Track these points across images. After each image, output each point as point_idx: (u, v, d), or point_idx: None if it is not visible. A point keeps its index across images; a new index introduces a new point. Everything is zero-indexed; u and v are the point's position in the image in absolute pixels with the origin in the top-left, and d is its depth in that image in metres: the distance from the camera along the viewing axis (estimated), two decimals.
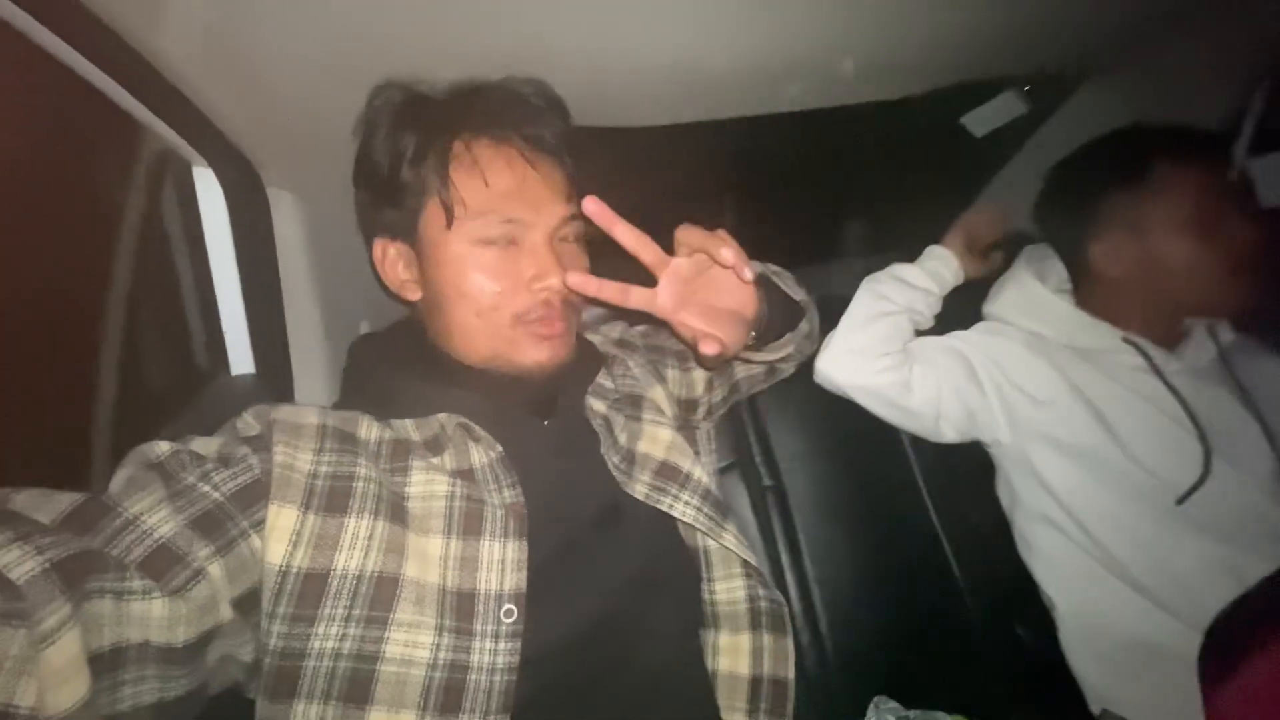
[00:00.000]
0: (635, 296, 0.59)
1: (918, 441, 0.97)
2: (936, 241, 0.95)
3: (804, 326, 0.79)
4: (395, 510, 0.54)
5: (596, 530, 0.61)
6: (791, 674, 0.65)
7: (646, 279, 0.60)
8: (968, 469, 0.96)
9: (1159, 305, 0.84)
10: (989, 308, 0.95)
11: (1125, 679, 0.79)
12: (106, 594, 0.39)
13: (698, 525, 0.63)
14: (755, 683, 0.64)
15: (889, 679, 0.87)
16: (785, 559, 0.96)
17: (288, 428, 0.53)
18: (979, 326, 0.94)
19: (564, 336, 0.63)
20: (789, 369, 0.89)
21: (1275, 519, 0.76)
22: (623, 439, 0.67)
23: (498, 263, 0.60)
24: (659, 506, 0.63)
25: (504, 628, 0.51)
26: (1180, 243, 0.80)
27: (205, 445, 0.51)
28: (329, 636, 0.49)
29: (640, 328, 0.86)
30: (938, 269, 0.92)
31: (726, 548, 0.65)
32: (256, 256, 0.76)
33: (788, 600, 0.66)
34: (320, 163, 0.77)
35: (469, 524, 0.55)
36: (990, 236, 0.96)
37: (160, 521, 0.44)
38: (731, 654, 0.65)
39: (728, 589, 0.66)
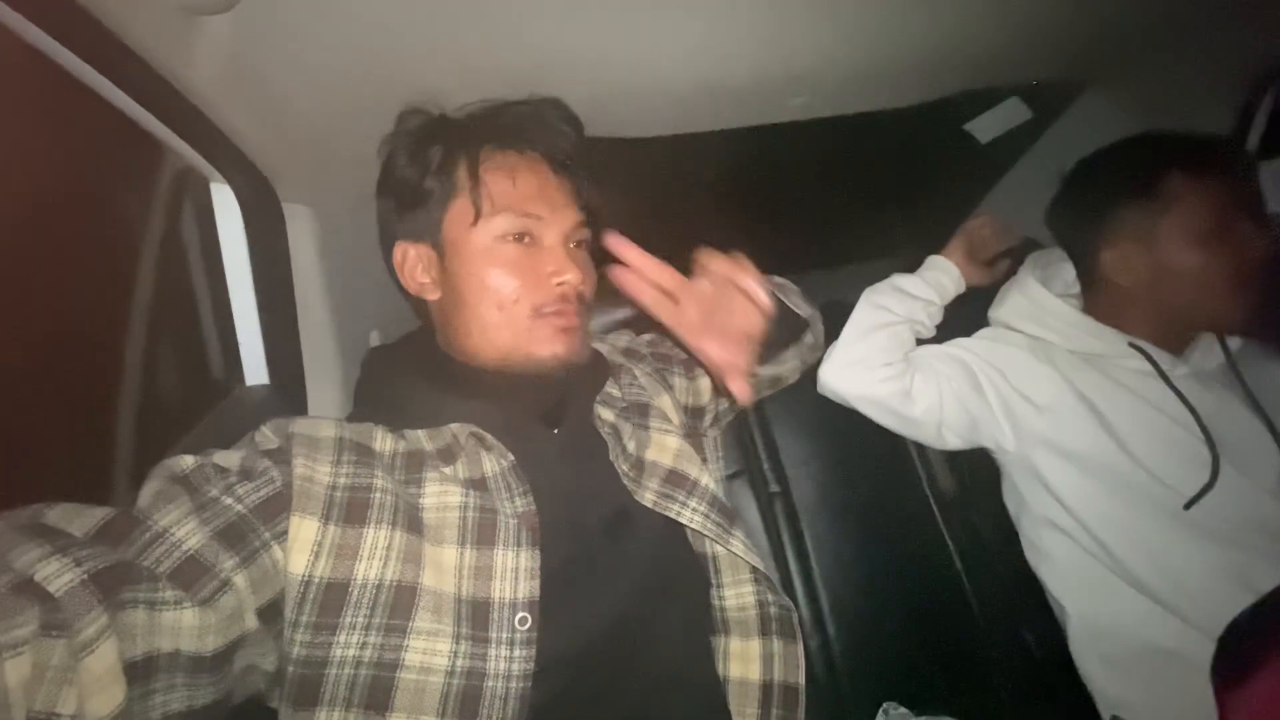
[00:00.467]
0: (664, 312, 0.60)
1: (924, 447, 0.97)
2: (944, 244, 0.95)
3: (808, 338, 0.80)
4: (411, 520, 0.55)
5: (607, 537, 0.62)
6: (802, 680, 0.65)
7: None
8: (974, 475, 0.96)
9: (1168, 315, 0.83)
10: (994, 313, 0.95)
11: (1135, 684, 0.79)
12: (140, 604, 0.41)
13: (705, 531, 0.64)
14: (766, 688, 0.64)
15: (897, 684, 0.87)
16: (793, 565, 0.97)
17: (306, 441, 0.55)
18: (984, 332, 0.94)
19: (579, 331, 0.66)
20: (794, 377, 0.90)
21: None
22: (631, 447, 0.68)
23: (519, 258, 0.64)
24: (667, 513, 0.63)
25: (518, 635, 0.52)
26: (1192, 255, 0.79)
27: (228, 459, 0.52)
28: (350, 645, 0.50)
29: (646, 337, 0.87)
30: (939, 278, 0.92)
31: (735, 554, 0.65)
32: (271, 270, 0.77)
33: (796, 606, 0.67)
34: (333, 178, 0.79)
35: (483, 534, 0.56)
36: (991, 244, 0.96)
37: (188, 534, 0.45)
38: (742, 660, 0.65)
39: (737, 595, 0.67)
